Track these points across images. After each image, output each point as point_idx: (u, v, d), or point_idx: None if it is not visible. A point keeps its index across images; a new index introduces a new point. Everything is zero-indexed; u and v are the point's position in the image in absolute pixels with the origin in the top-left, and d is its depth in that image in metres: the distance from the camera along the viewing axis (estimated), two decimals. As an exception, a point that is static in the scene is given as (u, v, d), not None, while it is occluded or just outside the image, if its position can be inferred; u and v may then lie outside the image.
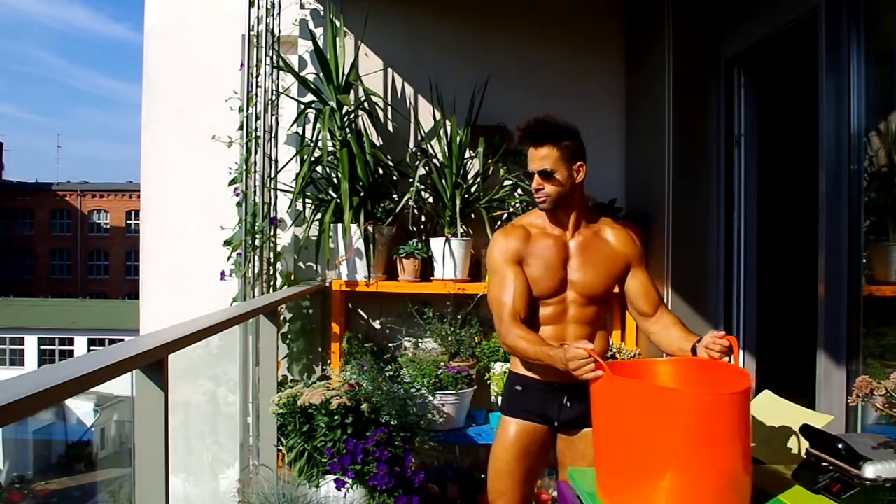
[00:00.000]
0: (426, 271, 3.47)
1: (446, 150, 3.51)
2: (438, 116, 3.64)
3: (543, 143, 2.07)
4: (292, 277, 3.63)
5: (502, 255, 2.11)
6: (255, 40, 3.38)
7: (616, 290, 2.22)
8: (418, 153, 3.59)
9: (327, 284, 3.54)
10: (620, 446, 1.60)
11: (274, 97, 3.44)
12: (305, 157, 3.41)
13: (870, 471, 1.45)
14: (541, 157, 2.06)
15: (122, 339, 2.61)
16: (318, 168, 3.47)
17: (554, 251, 2.11)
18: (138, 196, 4.51)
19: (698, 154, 3.13)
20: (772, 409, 2.25)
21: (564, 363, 1.77)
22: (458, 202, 3.38)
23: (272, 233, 3.45)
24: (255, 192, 3.37)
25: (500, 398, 2.93)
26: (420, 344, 3.41)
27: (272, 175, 3.43)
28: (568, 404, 2.16)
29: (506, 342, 2.08)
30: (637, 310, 2.18)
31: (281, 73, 3.48)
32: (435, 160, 3.55)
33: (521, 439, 2.18)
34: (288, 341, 3.59)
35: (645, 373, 1.81)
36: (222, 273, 3.43)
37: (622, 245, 2.17)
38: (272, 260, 3.45)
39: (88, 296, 30.26)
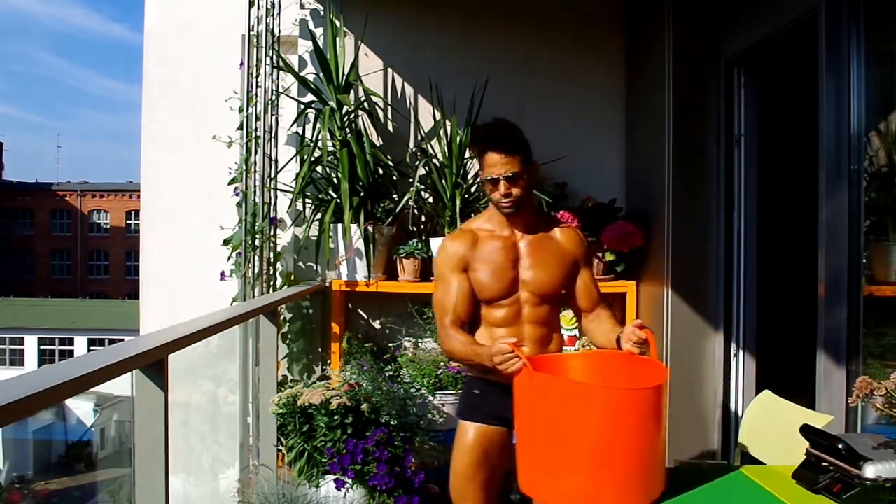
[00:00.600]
0: (426, 271, 3.46)
1: (446, 150, 3.51)
2: (438, 116, 3.64)
3: (508, 147, 2.06)
4: (292, 277, 3.63)
5: (447, 262, 2.13)
6: (255, 40, 3.38)
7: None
8: (418, 153, 3.59)
9: (327, 284, 3.54)
10: (540, 441, 1.64)
11: (274, 97, 3.44)
12: (305, 157, 3.41)
13: (870, 471, 1.45)
14: (506, 162, 2.04)
15: (122, 339, 2.62)
16: (318, 168, 3.47)
17: (502, 253, 2.11)
18: (138, 196, 4.52)
19: (698, 154, 3.13)
20: (772, 409, 2.26)
21: (490, 359, 1.81)
22: (458, 202, 3.38)
23: (272, 233, 3.45)
24: (255, 192, 3.37)
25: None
26: (420, 344, 3.42)
27: (272, 175, 3.43)
28: None
29: (443, 346, 2.14)
30: (578, 306, 2.21)
31: (281, 73, 3.48)
32: (435, 160, 3.55)
33: (480, 443, 2.17)
34: (288, 341, 3.59)
35: (568, 367, 1.85)
36: (222, 273, 3.43)
37: (571, 244, 2.18)
38: (272, 260, 3.45)
39: (88, 296, 30.24)
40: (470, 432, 2.18)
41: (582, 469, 1.56)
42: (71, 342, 23.36)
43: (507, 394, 2.13)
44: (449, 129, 3.51)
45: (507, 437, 2.20)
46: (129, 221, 33.66)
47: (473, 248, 2.12)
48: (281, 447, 2.89)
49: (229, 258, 3.44)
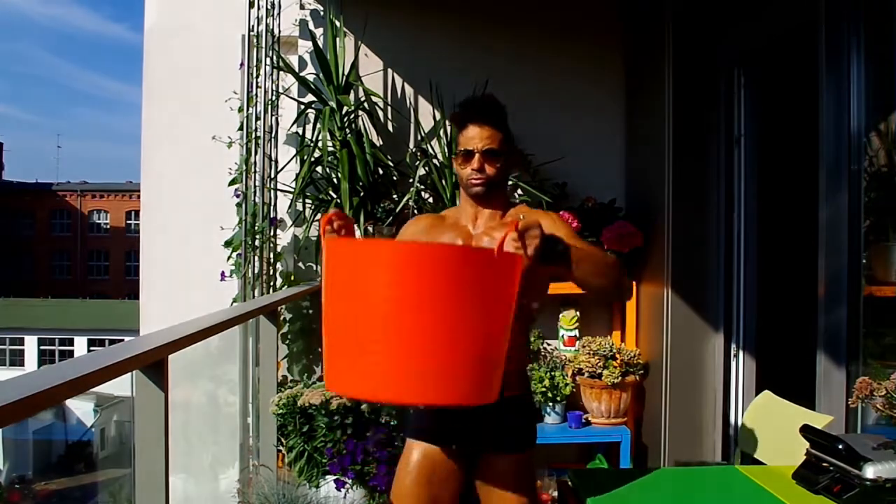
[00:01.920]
0: (426, 271, 3.46)
1: (446, 150, 3.52)
2: (438, 116, 3.64)
3: (492, 121, 1.96)
4: (292, 278, 3.63)
5: (400, 238, 2.14)
6: (255, 40, 3.38)
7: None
8: (418, 153, 3.59)
9: (327, 284, 3.54)
10: (339, 321, 1.46)
11: (274, 97, 3.44)
12: (305, 157, 3.41)
13: (870, 471, 1.45)
14: (487, 136, 1.93)
15: (122, 339, 2.61)
16: (318, 168, 3.47)
17: (450, 242, 1.98)
18: (138, 196, 4.51)
19: (698, 154, 3.13)
20: (772, 409, 2.26)
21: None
22: (458, 202, 3.37)
23: (272, 233, 3.45)
24: (255, 192, 3.37)
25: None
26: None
27: (272, 175, 3.43)
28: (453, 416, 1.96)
29: None
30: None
31: (281, 73, 3.48)
32: (435, 160, 3.55)
33: (422, 465, 1.97)
34: (288, 341, 3.59)
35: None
36: (222, 273, 3.43)
37: None
38: (272, 260, 3.45)
39: (88, 296, 30.22)
40: (414, 452, 2.00)
41: (377, 345, 1.37)
42: (71, 342, 23.36)
43: (455, 413, 1.95)
44: (449, 129, 3.51)
45: (455, 458, 2.00)
46: (129, 221, 33.68)
47: (426, 231, 2.05)
48: (281, 447, 2.88)
49: (229, 258, 3.44)
